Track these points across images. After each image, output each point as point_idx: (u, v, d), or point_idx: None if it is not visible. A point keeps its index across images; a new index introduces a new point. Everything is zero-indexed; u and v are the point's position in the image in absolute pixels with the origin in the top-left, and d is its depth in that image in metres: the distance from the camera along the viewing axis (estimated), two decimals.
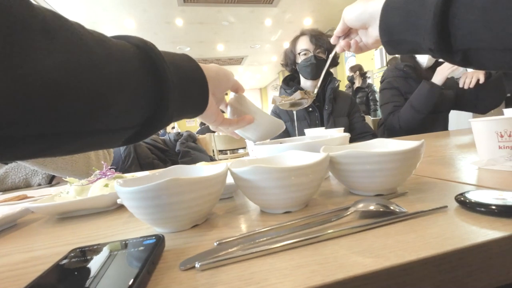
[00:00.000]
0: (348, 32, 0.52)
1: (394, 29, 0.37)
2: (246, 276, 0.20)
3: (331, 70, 1.43)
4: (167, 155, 1.44)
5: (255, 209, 0.37)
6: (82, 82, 0.21)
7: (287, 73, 1.45)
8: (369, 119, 1.70)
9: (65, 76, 0.20)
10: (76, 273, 0.21)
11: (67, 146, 0.24)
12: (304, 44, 1.29)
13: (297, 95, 0.63)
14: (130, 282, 0.18)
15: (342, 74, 5.08)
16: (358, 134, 1.34)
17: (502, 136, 0.45)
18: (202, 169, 0.39)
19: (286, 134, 1.35)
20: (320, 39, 1.26)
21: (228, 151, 3.19)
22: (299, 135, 1.05)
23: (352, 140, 1.32)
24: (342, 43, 0.52)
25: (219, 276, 0.21)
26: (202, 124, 5.91)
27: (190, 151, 1.42)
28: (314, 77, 1.29)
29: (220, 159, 2.90)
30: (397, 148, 0.34)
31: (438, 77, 1.28)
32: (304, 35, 1.30)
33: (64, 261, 0.23)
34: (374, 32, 0.42)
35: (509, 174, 0.40)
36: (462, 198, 0.28)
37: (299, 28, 1.40)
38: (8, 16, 0.17)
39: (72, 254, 0.24)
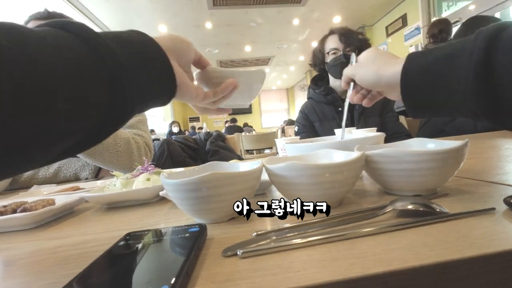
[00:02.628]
0: None
1: (420, 94, 0.34)
2: (285, 264, 0.21)
3: None
4: (198, 154, 1.50)
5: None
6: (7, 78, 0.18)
7: (314, 73, 1.43)
8: (403, 119, 1.61)
9: None
10: (132, 253, 0.24)
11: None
12: (333, 43, 1.26)
13: None
14: (181, 264, 0.20)
15: None
16: (391, 134, 1.29)
17: None
18: (238, 165, 0.40)
19: (315, 134, 1.34)
20: (350, 38, 1.23)
21: (254, 151, 3.23)
22: (328, 135, 1.04)
23: (384, 140, 1.26)
24: (351, 93, 0.49)
25: (260, 263, 0.22)
26: (232, 121, 6.02)
27: (219, 150, 1.47)
28: (341, 77, 1.27)
29: (247, 159, 2.94)
30: (439, 148, 0.33)
31: None
32: (333, 34, 1.28)
33: (122, 243, 0.26)
34: (393, 95, 0.39)
35: None
36: None
37: (328, 26, 1.38)
38: None
39: (128, 237, 0.27)
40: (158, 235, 0.27)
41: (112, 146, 0.82)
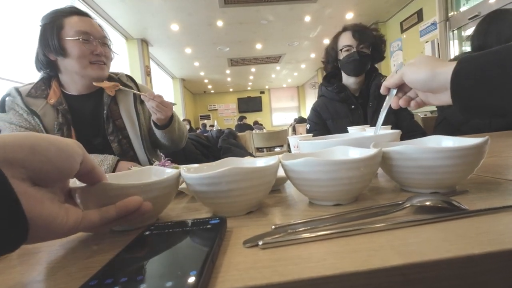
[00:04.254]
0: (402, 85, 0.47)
1: (471, 96, 0.34)
2: (305, 255, 0.22)
3: (376, 65, 1.37)
4: (210, 151, 1.52)
5: (304, 201, 0.38)
6: None
7: None
8: (418, 117, 1.58)
9: None
10: (158, 242, 0.25)
11: None
12: (346, 40, 1.25)
13: None
14: (206, 252, 0.21)
15: (387, 69, 4.78)
16: (406, 132, 1.26)
17: None
18: (254, 161, 0.41)
19: (327, 131, 1.33)
20: (363, 34, 1.22)
21: (264, 149, 3.23)
22: (340, 132, 1.03)
23: (400, 138, 1.24)
24: (393, 99, 0.48)
25: (280, 254, 0.23)
26: (240, 119, 6.05)
27: (231, 147, 1.49)
28: (357, 73, 1.26)
29: (258, 156, 2.94)
30: (458, 144, 0.33)
31: None
32: (346, 31, 1.27)
33: (147, 233, 0.27)
34: (443, 97, 0.38)
35: None
36: None
37: (340, 23, 1.37)
38: None
39: (152, 228, 0.28)
40: (181, 226, 0.28)
41: (180, 128, 1.05)
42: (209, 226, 0.27)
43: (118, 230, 0.33)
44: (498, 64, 0.31)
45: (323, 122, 1.35)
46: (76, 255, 0.27)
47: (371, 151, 0.34)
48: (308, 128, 1.43)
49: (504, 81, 0.30)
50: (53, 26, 0.89)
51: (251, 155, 1.67)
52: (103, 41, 0.97)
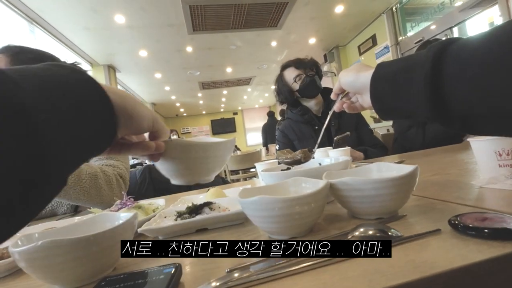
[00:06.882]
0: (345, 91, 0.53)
1: (385, 98, 0.38)
2: None
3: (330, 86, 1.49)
4: None
5: (264, 235, 0.39)
6: None
7: None
8: (378, 134, 1.71)
9: None
10: None
11: None
12: (293, 73, 1.40)
13: (299, 153, 0.60)
14: None
15: None
16: (369, 146, 1.36)
17: (500, 155, 0.46)
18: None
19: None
20: (302, 62, 1.40)
21: (240, 171, 3.23)
22: None
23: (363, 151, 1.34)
24: (337, 104, 0.53)
25: None
26: None
27: None
28: (317, 92, 1.39)
29: (232, 180, 2.93)
30: (391, 175, 0.36)
31: None
32: (288, 67, 1.42)
33: None
34: (367, 99, 0.42)
35: (510, 193, 0.41)
36: (455, 222, 0.30)
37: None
38: None
39: (103, 283, 0.27)
40: (134, 278, 0.28)
41: (76, 183, 0.76)
42: (162, 276, 0.27)
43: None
44: (405, 70, 0.35)
45: (290, 143, 1.41)
46: None
47: (319, 185, 0.36)
48: (277, 148, 1.47)
49: (409, 87, 0.34)
50: None
51: (223, 180, 1.66)
52: None
